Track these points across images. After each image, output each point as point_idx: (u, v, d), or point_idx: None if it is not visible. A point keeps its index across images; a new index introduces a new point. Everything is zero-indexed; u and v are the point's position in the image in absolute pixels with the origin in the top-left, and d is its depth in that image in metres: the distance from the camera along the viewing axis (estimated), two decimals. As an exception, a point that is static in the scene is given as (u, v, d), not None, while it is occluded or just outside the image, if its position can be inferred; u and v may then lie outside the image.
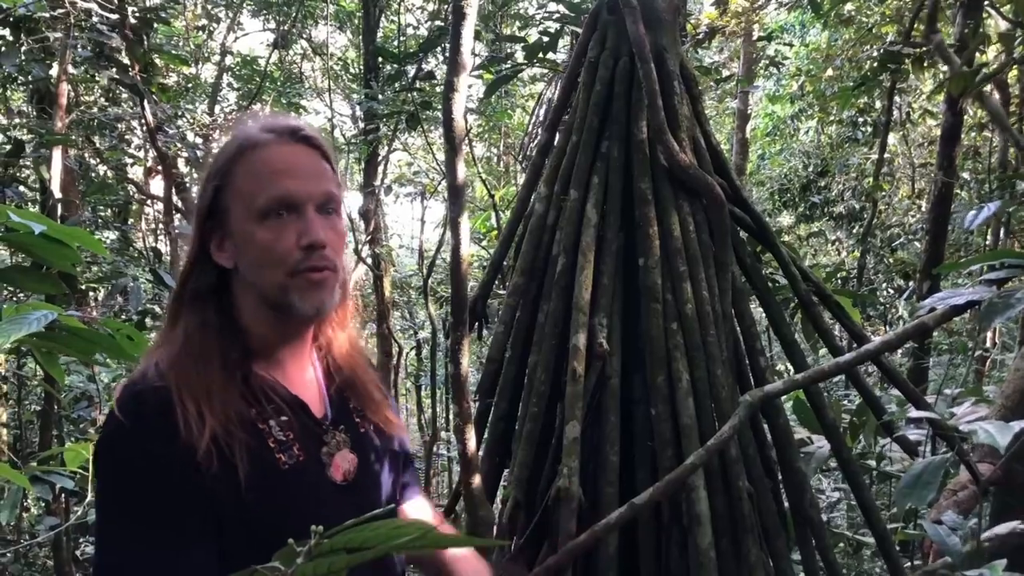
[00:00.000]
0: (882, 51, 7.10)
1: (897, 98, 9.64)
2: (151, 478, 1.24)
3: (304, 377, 1.49)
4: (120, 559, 1.23)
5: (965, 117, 8.04)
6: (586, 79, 3.62)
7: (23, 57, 5.42)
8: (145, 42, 5.88)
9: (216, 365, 1.33)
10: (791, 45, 12.84)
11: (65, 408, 6.32)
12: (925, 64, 6.57)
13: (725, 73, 9.16)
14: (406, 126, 6.63)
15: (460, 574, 1.67)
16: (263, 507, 1.29)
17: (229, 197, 1.38)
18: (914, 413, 2.93)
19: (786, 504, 3.45)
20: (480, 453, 3.36)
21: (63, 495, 5.73)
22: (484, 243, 10.66)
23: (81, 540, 7.28)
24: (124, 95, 7.73)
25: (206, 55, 11.36)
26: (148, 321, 6.98)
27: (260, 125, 1.42)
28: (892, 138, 11.04)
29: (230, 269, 1.40)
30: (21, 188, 6.01)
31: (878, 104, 10.29)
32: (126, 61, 5.74)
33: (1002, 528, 2.44)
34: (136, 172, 9.32)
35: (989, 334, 10.07)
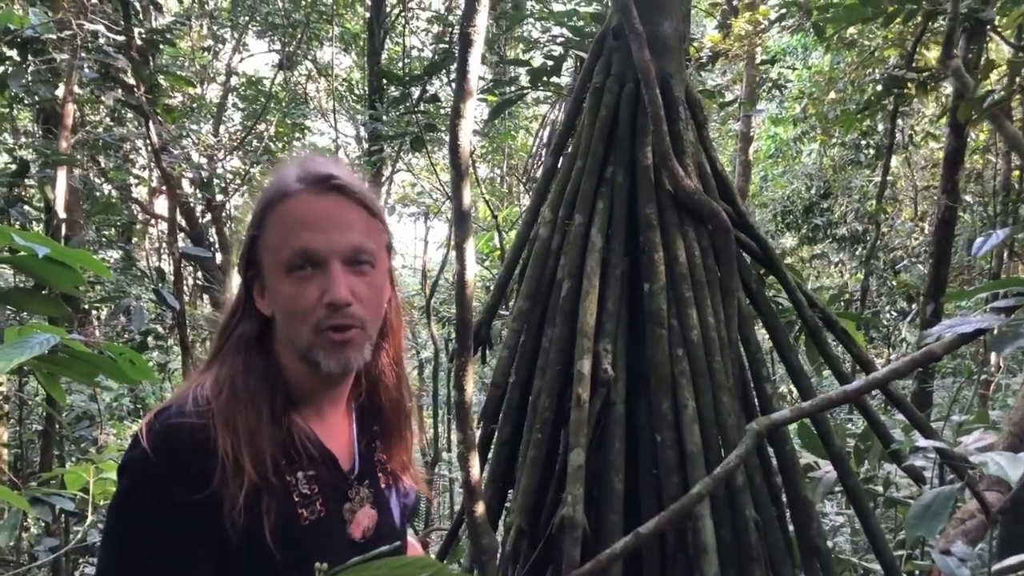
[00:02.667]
0: (886, 75, 7.13)
1: (900, 121, 9.67)
2: (169, 525, 1.22)
3: (338, 427, 1.46)
4: None
5: (968, 140, 8.06)
6: (591, 104, 3.62)
7: (29, 78, 5.44)
8: (151, 63, 5.91)
9: (263, 414, 1.31)
10: (794, 68, 12.89)
11: (66, 428, 6.30)
12: (928, 88, 6.60)
13: (728, 96, 9.19)
14: (410, 148, 6.64)
15: None
16: (280, 561, 1.26)
17: (262, 248, 1.37)
18: (922, 442, 2.90)
19: (791, 530, 3.42)
20: (483, 478, 3.34)
21: (63, 516, 5.70)
22: (487, 263, 10.66)
23: (81, 561, 7.24)
24: (129, 115, 7.76)
25: (211, 76, 11.42)
26: (151, 341, 6.98)
27: (295, 172, 1.38)
28: (895, 161, 11.06)
29: (271, 317, 1.39)
30: (26, 208, 6.03)
31: (880, 127, 10.31)
32: (132, 82, 5.76)
33: (1012, 560, 2.42)
34: (141, 192, 9.35)
35: (993, 357, 10.02)
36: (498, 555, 2.97)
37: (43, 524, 6.11)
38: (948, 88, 8.00)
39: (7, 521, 3.95)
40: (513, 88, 5.21)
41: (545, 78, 4.70)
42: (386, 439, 1.54)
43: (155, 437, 1.24)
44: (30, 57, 5.29)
